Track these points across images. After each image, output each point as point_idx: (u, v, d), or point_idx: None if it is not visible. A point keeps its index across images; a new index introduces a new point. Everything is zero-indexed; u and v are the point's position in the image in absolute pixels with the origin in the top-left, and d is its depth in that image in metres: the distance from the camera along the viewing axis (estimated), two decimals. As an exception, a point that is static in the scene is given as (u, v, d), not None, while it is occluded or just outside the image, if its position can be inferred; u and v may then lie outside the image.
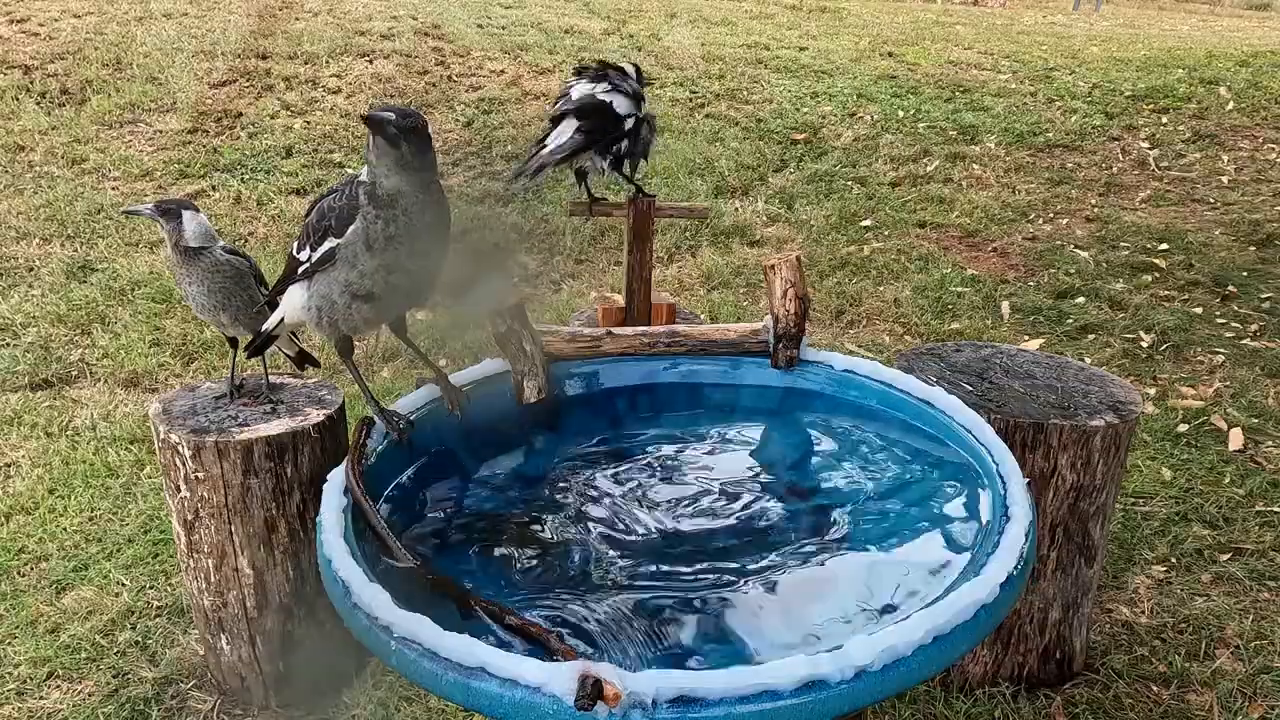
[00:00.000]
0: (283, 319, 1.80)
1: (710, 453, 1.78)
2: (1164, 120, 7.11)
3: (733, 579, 1.40)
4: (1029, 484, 1.47)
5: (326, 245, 1.57)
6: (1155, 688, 2.27)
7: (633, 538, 1.51)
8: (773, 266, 1.90)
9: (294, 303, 1.71)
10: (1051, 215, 5.66)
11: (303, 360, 2.25)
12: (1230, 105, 7.34)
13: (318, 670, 2.20)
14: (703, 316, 3.98)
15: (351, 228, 1.53)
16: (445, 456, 1.69)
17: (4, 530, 2.75)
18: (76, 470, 3.03)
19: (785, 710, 1.03)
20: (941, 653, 1.12)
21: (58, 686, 2.22)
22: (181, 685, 2.23)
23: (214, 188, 5.42)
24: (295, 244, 1.67)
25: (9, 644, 2.34)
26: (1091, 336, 4.22)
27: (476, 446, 1.72)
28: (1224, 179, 6.22)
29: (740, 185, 5.86)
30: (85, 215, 4.99)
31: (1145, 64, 8.55)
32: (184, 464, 1.99)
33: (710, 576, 1.41)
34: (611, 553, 1.47)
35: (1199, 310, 4.47)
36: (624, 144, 2.45)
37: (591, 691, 0.99)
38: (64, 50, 6.72)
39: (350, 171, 1.64)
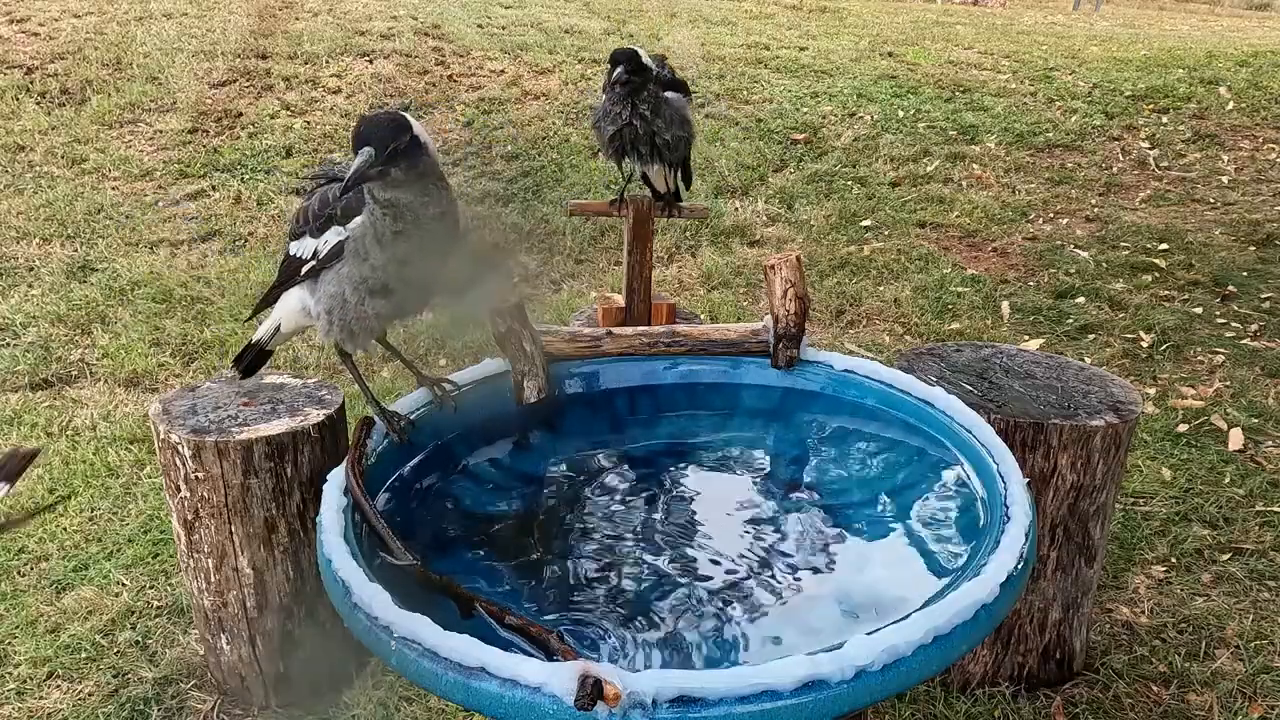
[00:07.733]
0: (278, 328, 1.71)
1: (710, 453, 1.78)
2: (1164, 120, 7.11)
3: (732, 578, 1.40)
4: (1029, 484, 1.47)
5: (333, 236, 1.49)
6: (1155, 688, 2.27)
7: (632, 537, 1.52)
8: (773, 266, 1.90)
9: (291, 307, 1.63)
10: (1051, 215, 5.66)
11: None
12: (1230, 105, 7.34)
13: (318, 670, 2.20)
14: (703, 316, 3.98)
15: (358, 219, 1.46)
16: (445, 456, 1.69)
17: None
18: (76, 470, 3.03)
19: (785, 710, 1.03)
20: (942, 652, 1.13)
21: (58, 686, 2.22)
22: (181, 685, 2.23)
23: (214, 188, 5.42)
24: (290, 238, 1.57)
25: (9, 644, 2.34)
26: (1091, 336, 4.22)
27: (476, 446, 1.72)
28: (1224, 179, 6.22)
29: (740, 185, 5.85)
30: (85, 215, 4.99)
31: (1145, 64, 8.55)
32: (184, 464, 1.98)
33: (710, 576, 1.41)
34: (611, 552, 1.47)
35: (1199, 310, 4.47)
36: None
37: (591, 691, 0.99)
38: (64, 50, 6.72)
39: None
